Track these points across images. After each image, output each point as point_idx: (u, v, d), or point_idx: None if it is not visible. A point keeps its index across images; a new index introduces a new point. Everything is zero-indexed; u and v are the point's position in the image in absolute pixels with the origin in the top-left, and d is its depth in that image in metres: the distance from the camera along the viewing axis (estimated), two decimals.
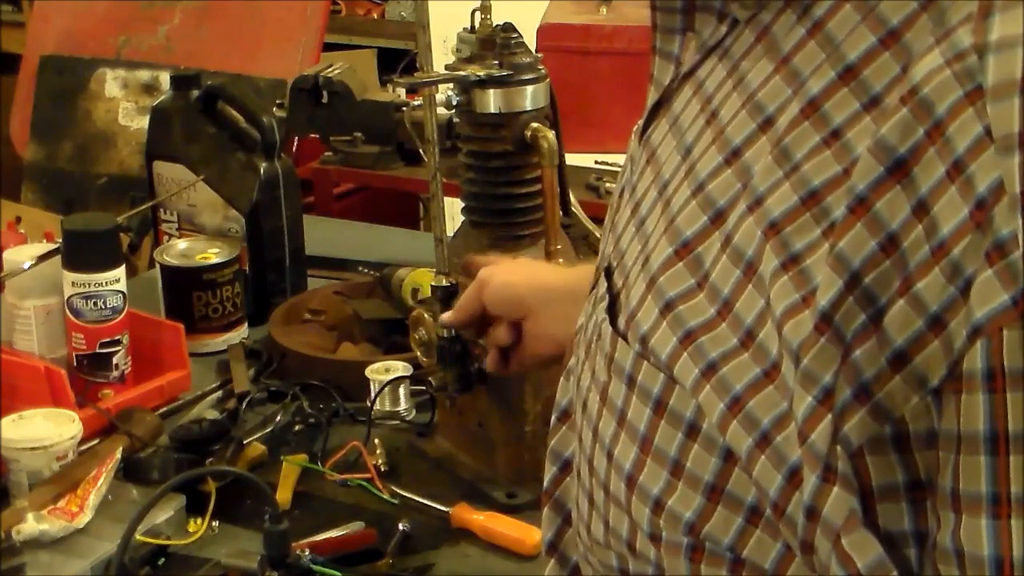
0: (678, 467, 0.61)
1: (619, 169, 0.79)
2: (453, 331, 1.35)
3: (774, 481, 0.56)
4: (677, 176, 0.65)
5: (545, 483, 0.79)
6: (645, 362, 0.63)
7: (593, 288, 0.75)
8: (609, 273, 0.70)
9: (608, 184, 2.51)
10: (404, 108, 1.58)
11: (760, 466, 0.57)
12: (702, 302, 0.60)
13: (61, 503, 1.30)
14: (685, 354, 0.60)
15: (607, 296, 0.69)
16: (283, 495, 1.38)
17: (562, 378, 0.80)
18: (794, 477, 0.55)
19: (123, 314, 1.55)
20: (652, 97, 0.73)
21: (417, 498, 1.38)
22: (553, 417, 0.78)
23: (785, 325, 0.55)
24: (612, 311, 0.67)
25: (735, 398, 0.58)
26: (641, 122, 0.73)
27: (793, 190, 0.56)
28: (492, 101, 1.35)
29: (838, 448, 0.53)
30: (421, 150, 1.38)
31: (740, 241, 0.59)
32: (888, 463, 0.53)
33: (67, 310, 1.54)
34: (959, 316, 0.50)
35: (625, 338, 0.65)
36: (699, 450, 0.60)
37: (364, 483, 1.41)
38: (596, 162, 2.68)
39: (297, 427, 1.53)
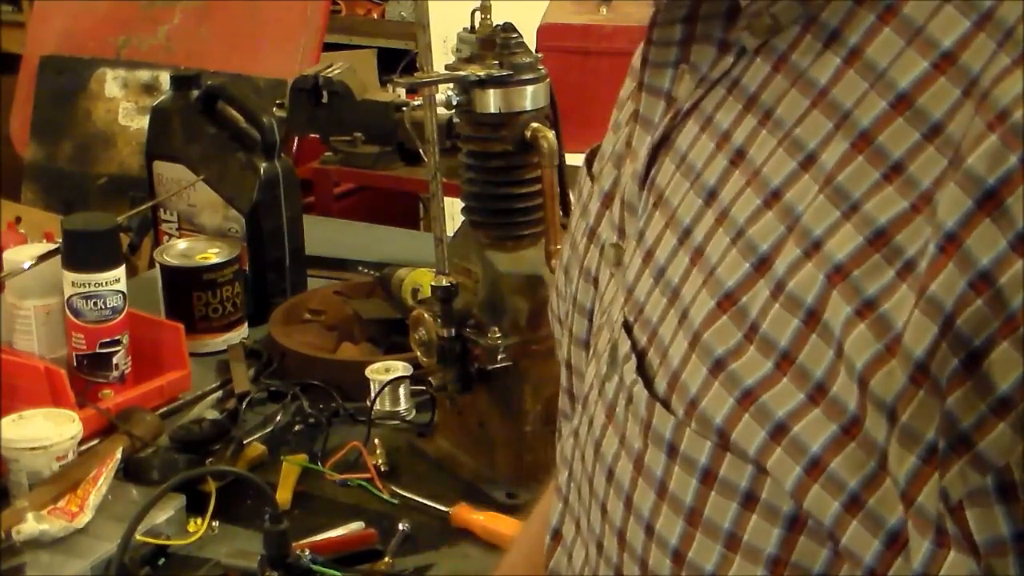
0: (734, 540, 0.57)
1: None
2: (453, 331, 1.35)
3: (870, 547, 0.52)
4: (703, 221, 0.60)
5: None
6: (688, 429, 0.58)
7: (588, 341, 0.70)
8: (628, 329, 0.64)
9: None
10: (404, 108, 1.58)
11: (852, 532, 0.53)
12: (755, 356, 0.55)
13: (61, 503, 1.30)
14: (746, 416, 0.55)
15: (632, 355, 0.63)
16: (283, 495, 1.37)
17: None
18: (894, 542, 0.52)
19: (123, 314, 1.55)
20: (642, 137, 0.68)
21: (417, 498, 1.38)
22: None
23: (871, 378, 0.51)
24: (643, 372, 0.62)
25: (813, 460, 0.53)
26: (641, 167, 0.67)
27: (857, 231, 0.52)
28: (492, 101, 1.35)
29: (941, 505, 0.50)
30: (421, 150, 1.38)
31: (796, 288, 0.54)
32: (992, 515, 0.50)
33: (67, 310, 1.54)
34: None
35: (667, 403, 0.59)
36: (758, 520, 0.56)
37: (364, 483, 1.41)
38: None
39: (297, 427, 1.53)
